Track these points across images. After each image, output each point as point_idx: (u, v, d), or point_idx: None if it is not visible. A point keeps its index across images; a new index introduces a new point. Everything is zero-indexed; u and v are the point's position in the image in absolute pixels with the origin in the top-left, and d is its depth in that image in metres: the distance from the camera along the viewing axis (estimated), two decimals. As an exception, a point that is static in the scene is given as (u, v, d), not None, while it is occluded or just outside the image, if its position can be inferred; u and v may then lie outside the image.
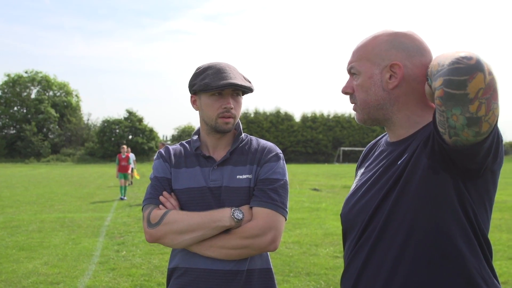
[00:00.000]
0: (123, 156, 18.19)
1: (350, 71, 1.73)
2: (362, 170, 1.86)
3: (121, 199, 16.81)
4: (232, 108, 2.10)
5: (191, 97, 2.23)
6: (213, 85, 2.05)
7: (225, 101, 2.10)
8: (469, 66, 1.28)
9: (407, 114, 1.66)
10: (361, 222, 1.64)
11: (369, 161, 1.85)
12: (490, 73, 1.29)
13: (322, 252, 8.11)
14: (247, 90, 2.14)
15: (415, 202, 1.50)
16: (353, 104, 1.75)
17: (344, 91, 1.75)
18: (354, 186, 1.83)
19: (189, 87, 2.20)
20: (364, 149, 2.02)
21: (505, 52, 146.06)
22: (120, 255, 8.02)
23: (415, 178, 1.51)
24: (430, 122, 1.58)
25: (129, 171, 18.38)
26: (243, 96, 2.22)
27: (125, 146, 19.14)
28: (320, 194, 18.40)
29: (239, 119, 2.26)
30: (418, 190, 1.50)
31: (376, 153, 1.84)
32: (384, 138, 1.86)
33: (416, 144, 1.57)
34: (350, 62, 1.73)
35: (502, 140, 1.45)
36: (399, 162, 1.60)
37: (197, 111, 2.24)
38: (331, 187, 21.64)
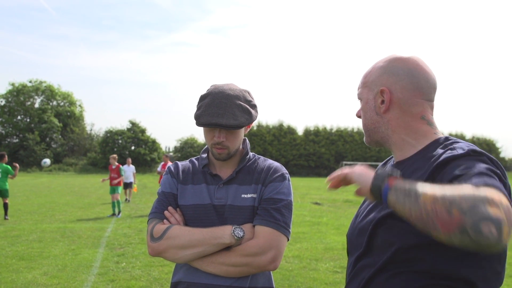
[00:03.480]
0: (113, 167, 16.43)
1: (357, 97, 1.84)
2: None
3: (113, 215, 15.27)
4: (223, 141, 2.12)
5: None
6: (200, 121, 2.07)
7: (216, 135, 2.12)
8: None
9: (401, 136, 1.71)
10: (361, 244, 1.67)
11: None
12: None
13: (322, 267, 8.09)
14: (235, 128, 2.08)
15: (406, 230, 1.50)
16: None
17: (356, 115, 1.87)
18: (360, 207, 1.88)
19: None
20: (362, 164, 2.08)
21: (505, 58, 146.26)
22: (120, 266, 8.02)
23: None
24: (425, 147, 1.64)
25: (121, 185, 16.48)
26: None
27: (115, 156, 17.13)
28: (322, 208, 18.40)
29: (247, 137, 2.29)
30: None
31: None
32: (392, 159, 1.90)
33: (408, 173, 1.59)
34: (357, 89, 1.84)
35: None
36: None
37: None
38: (333, 201, 21.61)
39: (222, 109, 2.07)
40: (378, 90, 1.71)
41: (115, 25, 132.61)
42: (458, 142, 1.61)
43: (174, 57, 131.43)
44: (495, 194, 1.23)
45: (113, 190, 15.78)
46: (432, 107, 1.72)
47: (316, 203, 20.07)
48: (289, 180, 2.22)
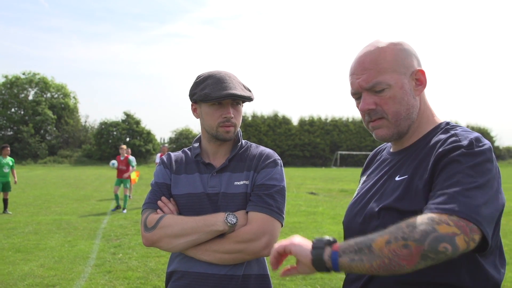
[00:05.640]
0: (122, 158, 15.49)
1: (373, 88, 1.64)
2: (364, 178, 1.88)
3: (117, 208, 14.58)
4: (232, 118, 2.13)
5: (191, 105, 2.27)
6: (212, 96, 2.08)
7: (225, 111, 2.13)
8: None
9: (419, 121, 1.69)
10: (364, 233, 1.62)
11: (371, 169, 1.87)
12: None
13: (318, 256, 8.09)
14: (247, 99, 2.17)
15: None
16: (377, 120, 1.68)
17: (368, 108, 1.66)
18: (356, 194, 1.84)
19: (189, 96, 2.24)
20: (370, 154, 2.04)
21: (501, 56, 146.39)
22: (117, 257, 8.03)
23: (409, 197, 1.54)
24: (428, 132, 1.65)
25: (129, 177, 15.28)
26: (243, 104, 2.24)
27: (124, 146, 16.09)
28: (317, 198, 18.42)
29: (241, 127, 2.29)
30: (410, 208, 1.51)
31: (378, 161, 1.86)
32: (387, 146, 1.88)
33: (414, 165, 1.59)
34: (368, 80, 1.63)
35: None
36: (397, 178, 1.62)
37: (198, 119, 2.27)
38: (328, 191, 21.65)
39: (232, 83, 2.13)
40: (412, 72, 1.65)
41: (108, 16, 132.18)
42: (458, 127, 1.62)
43: (168, 48, 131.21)
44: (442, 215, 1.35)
45: (119, 183, 15.09)
46: None
47: (312, 193, 20.09)
48: (281, 166, 2.23)
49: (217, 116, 2.14)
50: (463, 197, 1.36)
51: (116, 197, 14.86)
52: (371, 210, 1.63)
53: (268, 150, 2.27)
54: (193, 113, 2.27)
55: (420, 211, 1.44)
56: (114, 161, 16.10)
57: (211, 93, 2.08)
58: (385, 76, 1.62)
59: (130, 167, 15.46)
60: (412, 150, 1.65)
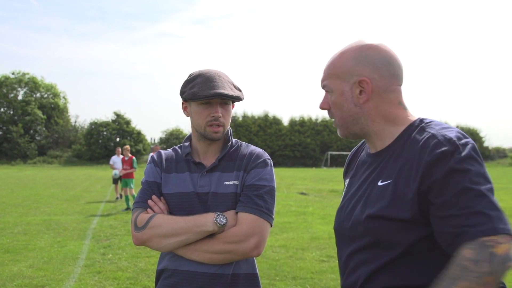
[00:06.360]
0: (126, 158, 15.61)
1: (324, 88, 1.75)
2: (348, 180, 1.88)
3: (127, 209, 14.45)
4: (220, 117, 2.13)
5: (182, 103, 2.27)
6: (200, 95, 2.08)
7: (213, 110, 2.13)
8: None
9: (382, 126, 1.69)
10: (353, 238, 1.67)
11: (353, 171, 1.86)
12: None
13: (308, 256, 8.13)
14: (235, 99, 2.17)
15: (395, 223, 1.53)
16: (333, 120, 1.78)
17: (321, 107, 1.77)
18: (342, 198, 1.84)
19: (180, 94, 2.24)
20: (349, 154, 2.03)
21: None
22: (106, 258, 8.00)
23: (395, 205, 1.53)
24: (402, 132, 1.64)
25: (134, 177, 15.26)
26: (234, 104, 2.25)
27: (128, 147, 16.05)
28: (307, 198, 18.45)
29: (229, 126, 2.29)
30: (397, 216, 1.52)
31: (359, 162, 1.85)
32: (366, 145, 1.87)
33: (396, 169, 1.57)
34: (322, 80, 1.75)
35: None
36: (380, 183, 1.61)
37: (188, 117, 2.27)
38: (319, 191, 21.68)
39: (221, 82, 2.13)
40: (356, 80, 1.65)
41: (99, 16, 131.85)
42: (432, 124, 1.61)
43: (159, 48, 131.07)
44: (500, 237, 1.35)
45: (126, 184, 15.11)
46: (401, 90, 1.73)
47: (302, 193, 20.10)
48: (271, 166, 2.23)
49: (206, 115, 2.13)
50: (491, 211, 1.38)
51: (126, 198, 14.83)
52: (358, 217, 1.63)
53: (258, 150, 2.27)
54: (184, 111, 2.27)
55: (407, 220, 1.48)
56: (116, 171, 16.28)
57: (200, 91, 2.08)
58: (331, 80, 1.71)
59: (133, 168, 15.45)
60: (390, 152, 1.65)
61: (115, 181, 17.58)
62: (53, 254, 8.26)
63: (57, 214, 13.56)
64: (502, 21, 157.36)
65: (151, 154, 18.57)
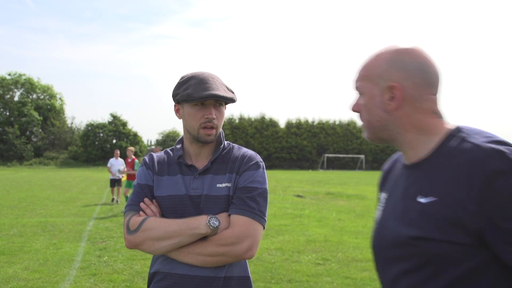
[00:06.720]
0: (130, 160, 15.76)
1: (356, 90, 1.67)
2: (384, 195, 1.76)
3: None
4: (214, 118, 2.14)
5: (174, 105, 2.27)
6: (195, 96, 2.09)
7: (207, 112, 2.13)
8: None
9: (413, 135, 1.58)
10: (398, 259, 1.54)
11: (390, 184, 1.75)
12: None
13: (304, 259, 8.14)
14: (229, 100, 2.17)
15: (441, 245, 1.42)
16: (362, 122, 1.69)
17: (352, 109, 1.69)
18: (380, 214, 1.72)
19: (172, 96, 2.24)
20: (383, 168, 1.91)
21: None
22: (102, 260, 7.99)
23: (445, 227, 1.41)
24: (440, 143, 1.52)
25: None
26: (226, 106, 2.25)
27: (132, 148, 16.25)
28: (304, 200, 18.46)
29: (222, 128, 2.30)
30: (449, 239, 1.41)
31: (395, 175, 1.74)
32: (401, 157, 1.74)
33: (440, 185, 1.44)
34: (355, 81, 1.67)
35: None
36: (421, 200, 1.48)
37: (181, 120, 2.28)
38: (315, 193, 21.68)
39: (214, 84, 2.13)
40: (387, 85, 1.56)
41: (95, 17, 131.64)
42: (472, 133, 1.49)
43: (155, 49, 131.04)
44: None
45: (129, 185, 15.12)
46: (438, 98, 1.61)
47: (298, 196, 20.13)
48: (263, 168, 2.23)
49: (199, 117, 2.14)
50: None
51: (127, 199, 14.57)
52: (401, 236, 1.51)
53: (250, 152, 2.28)
54: (176, 114, 2.27)
55: (463, 243, 1.38)
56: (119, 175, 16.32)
57: (194, 93, 2.09)
58: (362, 82, 1.63)
59: (134, 170, 15.32)
60: (428, 165, 1.53)
61: (112, 183, 17.42)
62: (48, 256, 8.25)
63: (53, 216, 13.54)
64: None
65: (143, 159, 18.44)
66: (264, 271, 7.25)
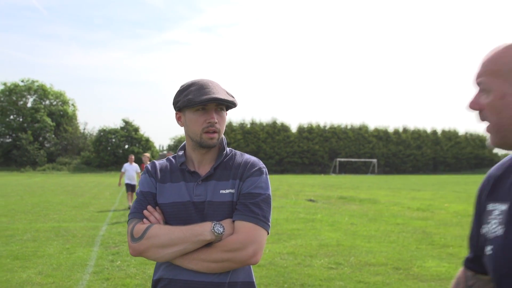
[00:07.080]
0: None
1: (478, 86, 1.44)
2: (499, 206, 1.46)
3: None
4: (216, 123, 2.14)
5: (176, 114, 2.27)
6: (196, 100, 2.09)
7: (209, 116, 2.13)
8: None
9: None
10: None
11: (506, 193, 1.46)
12: None
13: (316, 263, 8.11)
14: (230, 104, 2.17)
15: None
16: (485, 124, 1.44)
17: (471, 107, 1.45)
18: (503, 230, 1.39)
19: (173, 104, 2.24)
20: (488, 176, 1.60)
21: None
22: (115, 265, 8.01)
23: None
24: None
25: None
26: (227, 111, 2.26)
27: (148, 155, 16.31)
28: (316, 205, 18.41)
29: (224, 134, 2.30)
30: None
31: (509, 183, 1.47)
32: None
33: None
34: (478, 76, 1.44)
35: None
36: None
37: (182, 127, 2.28)
38: (327, 198, 21.61)
39: (215, 89, 2.14)
40: None
41: (107, 24, 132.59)
42: None
43: (166, 55, 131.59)
44: None
45: None
46: None
47: (311, 200, 20.05)
48: (266, 174, 2.23)
49: (201, 122, 2.14)
50: None
51: None
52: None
53: (253, 159, 2.28)
54: (178, 122, 2.27)
55: None
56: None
57: (195, 98, 2.09)
58: (489, 78, 1.39)
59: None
60: None
61: (128, 187, 17.24)
62: (62, 261, 8.29)
63: (66, 221, 13.61)
64: None
65: (145, 166, 18.36)
66: (276, 275, 7.23)
